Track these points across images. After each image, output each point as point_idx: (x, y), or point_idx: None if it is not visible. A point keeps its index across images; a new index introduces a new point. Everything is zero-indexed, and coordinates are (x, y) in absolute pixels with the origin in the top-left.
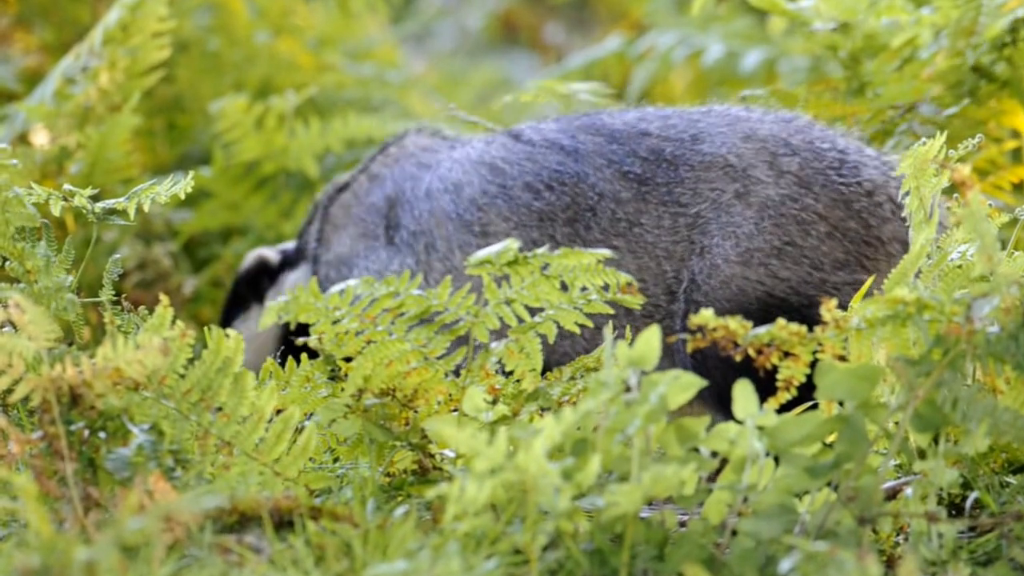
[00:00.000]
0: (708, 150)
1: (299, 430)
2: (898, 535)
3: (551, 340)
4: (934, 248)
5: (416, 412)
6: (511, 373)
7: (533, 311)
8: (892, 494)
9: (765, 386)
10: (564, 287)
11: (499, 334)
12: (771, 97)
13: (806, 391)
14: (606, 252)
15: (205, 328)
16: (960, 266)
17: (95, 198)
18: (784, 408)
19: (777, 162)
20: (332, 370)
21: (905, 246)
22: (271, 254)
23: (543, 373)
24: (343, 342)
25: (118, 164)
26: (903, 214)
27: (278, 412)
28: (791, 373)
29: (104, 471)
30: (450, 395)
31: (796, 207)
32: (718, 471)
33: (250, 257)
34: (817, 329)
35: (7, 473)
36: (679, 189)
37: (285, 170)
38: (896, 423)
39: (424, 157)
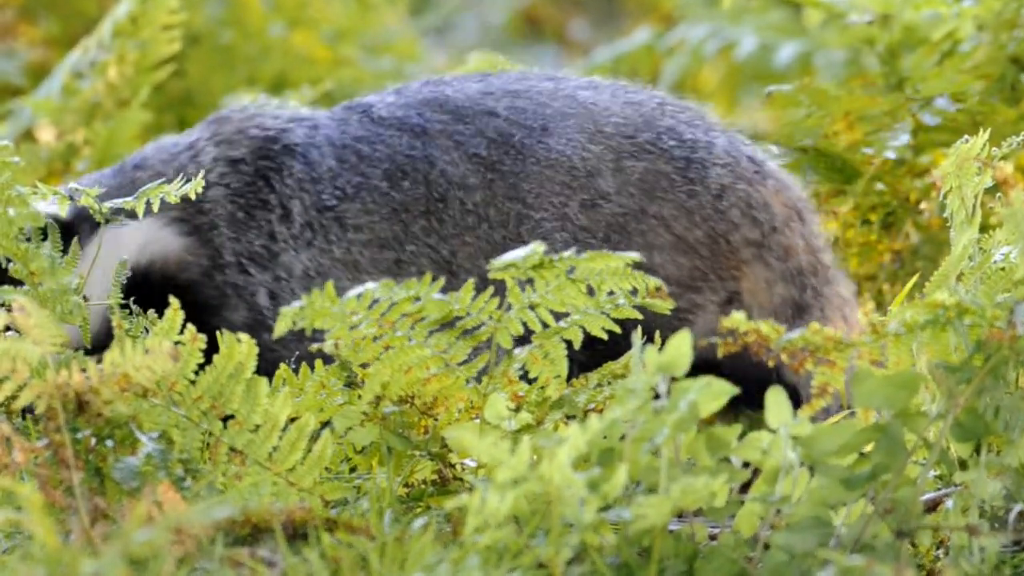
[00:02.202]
0: (555, 146)
1: (314, 439)
2: (938, 549)
3: (577, 346)
4: (976, 250)
5: (436, 420)
6: (535, 380)
7: (558, 316)
8: (932, 506)
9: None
10: (591, 291)
11: (523, 340)
12: (801, 93)
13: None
14: (635, 256)
15: (218, 332)
16: (1003, 268)
17: (103, 197)
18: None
19: (622, 166)
20: (348, 376)
21: (759, 248)
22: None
23: None
24: (360, 347)
25: None
26: (759, 215)
27: (292, 420)
28: (826, 379)
29: (112, 481)
30: (471, 402)
31: (639, 224)
32: (750, 482)
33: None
34: (853, 334)
35: (11, 483)
36: (525, 185)
37: None
38: (936, 432)
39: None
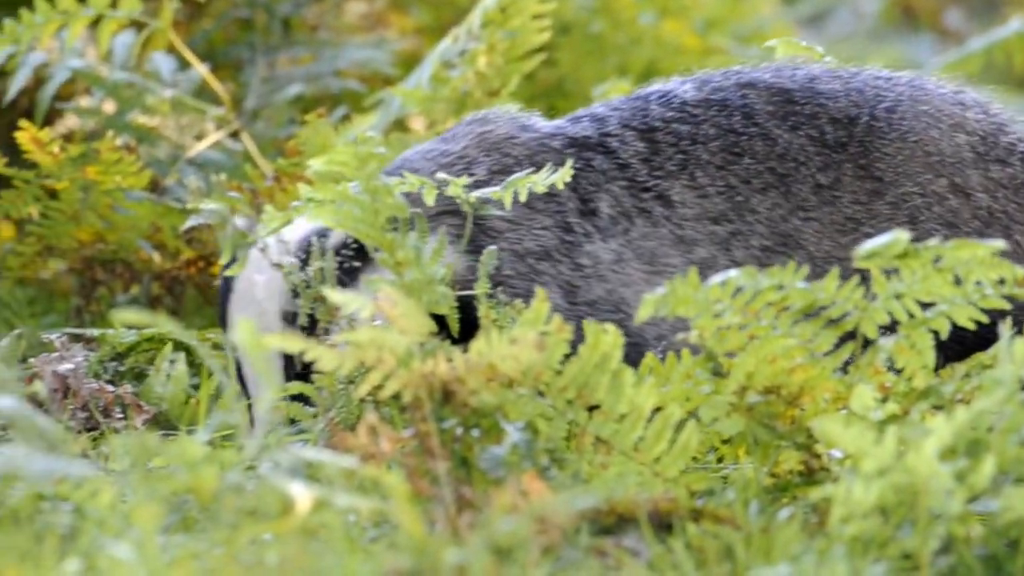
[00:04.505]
0: (913, 127)
1: (679, 428)
2: None
3: (944, 336)
4: None
5: (802, 410)
6: (901, 370)
7: (924, 305)
8: None
9: None
10: (957, 281)
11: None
12: None
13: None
14: (1001, 244)
15: (584, 322)
16: None
17: (470, 187)
18: None
19: (987, 167)
20: (714, 366)
21: None
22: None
23: None
24: (724, 337)
25: None
26: None
27: (657, 410)
28: None
29: (477, 470)
30: (838, 393)
31: (1008, 227)
32: None
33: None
34: None
35: (378, 472)
36: (881, 164)
37: None
38: None
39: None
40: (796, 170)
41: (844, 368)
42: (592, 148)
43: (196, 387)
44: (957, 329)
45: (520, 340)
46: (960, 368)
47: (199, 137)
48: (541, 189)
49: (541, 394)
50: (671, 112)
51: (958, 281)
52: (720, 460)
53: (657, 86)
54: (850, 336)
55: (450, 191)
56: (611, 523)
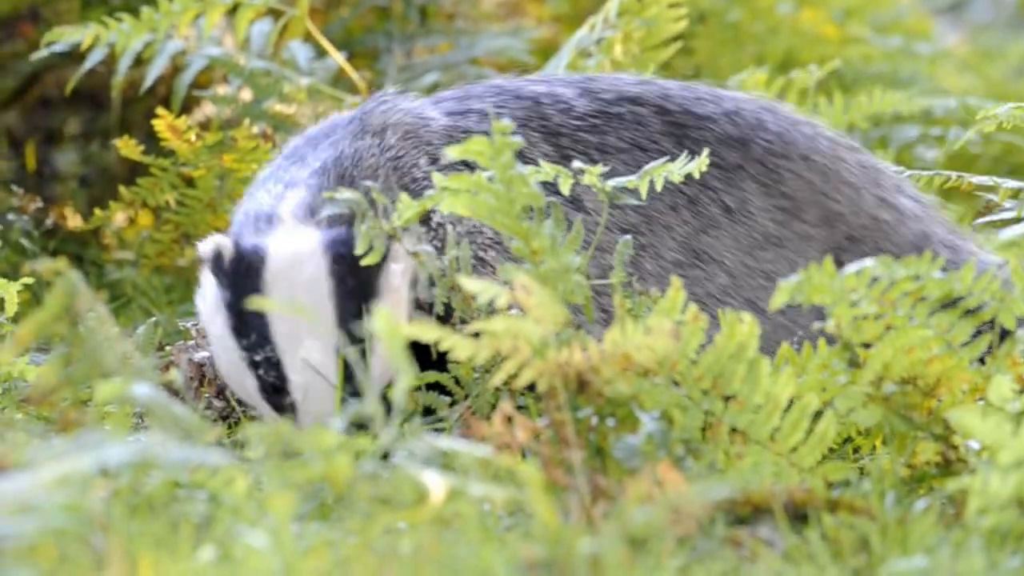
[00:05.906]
0: (824, 152)
1: (816, 419)
2: None
3: None
4: None
5: (939, 401)
6: None
7: None
8: None
9: None
10: None
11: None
12: None
13: None
14: None
15: (720, 312)
16: None
17: (607, 175)
18: None
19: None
20: (850, 357)
21: None
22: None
23: None
24: (861, 327)
25: None
26: None
27: (793, 400)
28: None
29: (612, 460)
30: (975, 384)
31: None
32: None
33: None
34: None
35: (513, 461)
36: (835, 194)
37: None
38: None
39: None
40: (722, 218)
41: (981, 359)
42: None
43: None
44: None
45: (655, 329)
46: None
47: None
48: (677, 178)
49: (676, 384)
50: (573, 120)
51: None
52: (856, 451)
53: (535, 87)
54: (987, 326)
55: (585, 180)
56: (746, 513)
